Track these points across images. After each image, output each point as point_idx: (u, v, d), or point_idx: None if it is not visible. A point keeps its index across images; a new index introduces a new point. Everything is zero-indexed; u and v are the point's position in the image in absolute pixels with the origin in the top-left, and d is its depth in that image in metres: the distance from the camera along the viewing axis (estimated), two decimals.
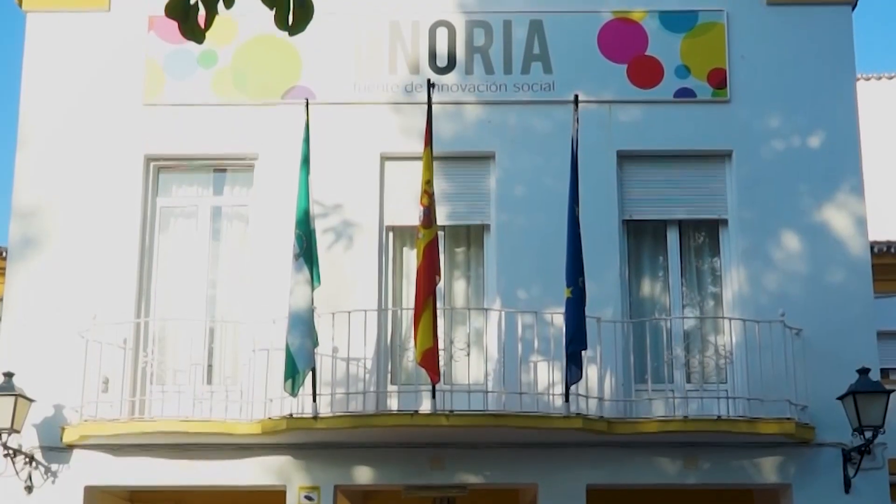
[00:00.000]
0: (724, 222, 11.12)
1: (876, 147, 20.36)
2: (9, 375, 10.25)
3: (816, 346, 10.56)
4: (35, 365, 10.58)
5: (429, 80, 10.31)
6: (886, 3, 35.43)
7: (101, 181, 11.11)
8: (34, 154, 11.20)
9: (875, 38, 38.57)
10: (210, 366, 10.89)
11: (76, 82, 11.31)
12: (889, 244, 16.65)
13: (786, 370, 10.31)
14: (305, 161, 9.92)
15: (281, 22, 3.23)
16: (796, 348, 10.45)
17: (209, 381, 10.80)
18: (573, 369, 9.56)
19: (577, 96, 10.23)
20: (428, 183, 9.39)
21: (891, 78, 22.88)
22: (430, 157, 9.57)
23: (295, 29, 3.31)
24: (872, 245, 15.46)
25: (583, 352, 9.62)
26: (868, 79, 22.81)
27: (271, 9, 3.24)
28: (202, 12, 3.25)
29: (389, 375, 10.76)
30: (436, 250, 9.35)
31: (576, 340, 9.45)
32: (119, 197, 11.09)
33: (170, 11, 3.15)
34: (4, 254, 15.64)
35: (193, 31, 3.18)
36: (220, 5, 3.25)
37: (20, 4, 11.54)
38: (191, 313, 10.89)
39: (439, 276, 9.38)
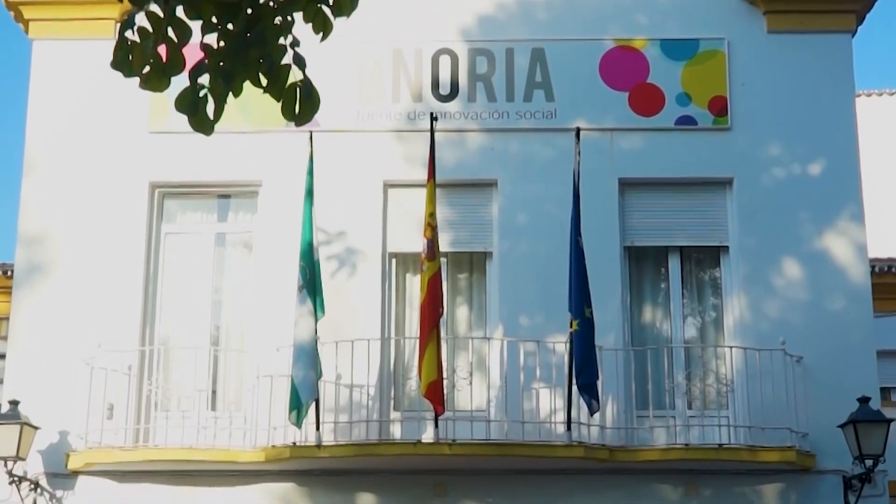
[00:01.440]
0: (726, 249, 11.18)
1: (877, 164, 20.43)
2: (14, 403, 10.32)
3: (817, 374, 10.62)
4: (40, 391, 10.65)
5: (431, 114, 10.38)
6: (886, 19, 35.55)
7: (107, 208, 11.18)
8: (40, 181, 11.28)
9: (876, 54, 38.66)
10: (214, 392, 10.96)
11: (82, 110, 11.39)
12: (890, 263, 16.71)
13: (786, 397, 10.36)
14: (309, 193, 10.00)
15: (288, 112, 3.31)
16: (797, 375, 10.51)
17: (213, 408, 10.87)
18: (588, 400, 9.59)
19: (578, 129, 10.30)
20: (431, 216, 9.47)
21: (892, 94, 22.96)
22: (433, 190, 9.65)
23: (301, 119, 3.38)
24: (873, 265, 15.57)
25: (598, 382, 9.66)
26: (869, 95, 22.89)
27: (278, 101, 3.31)
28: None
29: (392, 402, 10.82)
30: (439, 283, 9.43)
31: (585, 372, 9.49)
32: (124, 224, 11.16)
33: (179, 106, 3.21)
34: (10, 272, 15.81)
35: (202, 124, 3.26)
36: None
37: (27, 32, 11.64)
38: (195, 339, 10.97)
39: (442, 308, 9.45)
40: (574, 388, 9.73)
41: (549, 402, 10.42)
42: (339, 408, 10.40)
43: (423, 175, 10.39)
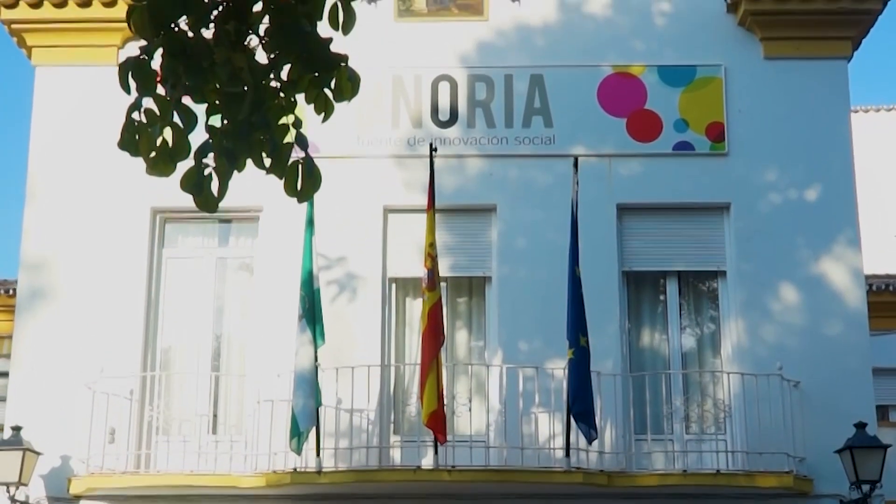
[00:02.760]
0: (723, 274, 11.26)
1: (873, 180, 20.52)
2: (16, 429, 10.39)
3: (814, 398, 10.69)
4: (43, 416, 10.72)
5: (431, 145, 10.47)
6: (882, 35, 35.66)
7: (108, 233, 11.26)
8: (42, 206, 11.36)
9: (873, 70, 38.77)
10: (215, 416, 11.04)
11: (84, 135, 11.48)
12: (887, 282, 16.78)
13: (784, 422, 10.44)
14: (310, 223, 10.09)
15: (290, 190, 3.39)
16: (794, 400, 10.58)
17: (214, 432, 10.95)
18: (585, 429, 9.66)
19: (576, 159, 10.38)
20: (431, 246, 9.56)
21: (889, 110, 23.07)
22: (433, 220, 9.73)
23: (303, 197, 3.46)
24: (871, 283, 15.65)
25: (597, 410, 9.74)
26: (867, 111, 23.01)
27: (281, 178, 3.39)
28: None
29: (392, 426, 10.90)
30: (440, 313, 9.51)
31: (580, 401, 9.57)
32: (126, 248, 11.24)
33: (184, 186, 3.29)
34: (11, 290, 15.90)
35: (207, 203, 3.34)
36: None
37: (30, 58, 11.74)
38: (196, 363, 11.04)
39: (443, 337, 9.54)
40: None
41: (548, 428, 10.49)
42: (339, 433, 10.48)
43: (422, 200, 10.48)
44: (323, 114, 3.57)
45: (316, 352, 9.71)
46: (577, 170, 10.27)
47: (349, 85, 3.36)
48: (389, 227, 11.33)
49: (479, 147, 11.39)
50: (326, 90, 3.41)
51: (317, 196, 10.66)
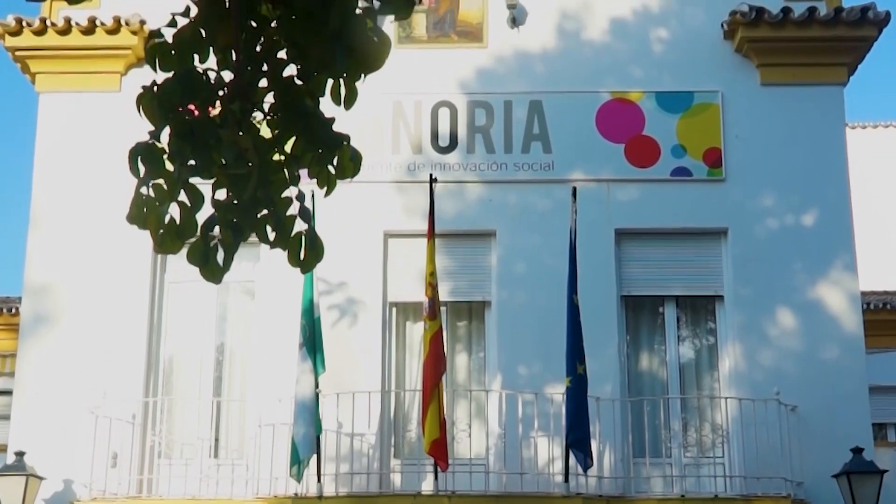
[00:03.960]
0: (721, 298, 11.35)
1: (869, 197, 20.60)
2: (20, 455, 10.48)
3: (811, 422, 10.77)
4: (46, 440, 10.80)
5: (431, 175, 10.57)
6: (878, 53, 35.79)
7: (111, 258, 11.35)
8: (46, 231, 11.46)
9: (867, 86, 38.91)
10: (217, 440, 11.13)
11: (87, 162, 11.58)
12: (884, 300, 16.87)
13: (781, 447, 10.52)
14: None
15: (294, 260, 3.48)
16: (791, 424, 10.66)
17: (216, 455, 11.03)
18: (581, 457, 9.74)
19: (575, 189, 10.47)
20: (431, 275, 9.66)
21: (886, 126, 23.16)
22: (433, 250, 9.83)
23: (306, 267, 3.56)
24: (868, 301, 15.73)
25: (591, 438, 9.83)
26: (864, 127, 23.09)
27: (284, 250, 3.48)
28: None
29: (393, 450, 10.98)
30: (440, 342, 9.61)
31: (576, 430, 9.66)
32: (128, 273, 11.33)
33: (191, 258, 3.38)
34: (14, 309, 15.99)
35: (213, 273, 3.43)
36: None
37: (34, 84, 11.84)
38: (198, 388, 11.13)
39: (445, 366, 9.64)
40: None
41: (547, 452, 10.57)
42: (339, 458, 10.56)
43: (422, 225, 10.58)
44: (325, 188, 3.67)
45: (317, 379, 9.80)
46: (575, 199, 10.35)
47: (351, 165, 3.45)
48: (390, 252, 11.43)
49: (478, 173, 11.50)
50: (329, 167, 3.51)
51: (317, 220, 10.84)
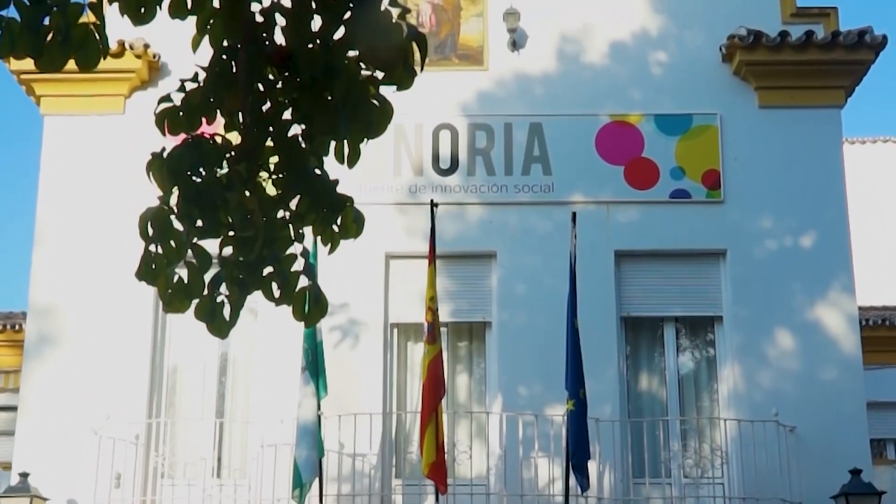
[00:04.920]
0: (720, 319, 11.44)
1: (866, 212, 20.69)
2: (24, 476, 10.56)
3: (810, 443, 10.85)
4: (49, 461, 10.89)
5: (431, 201, 10.65)
6: (876, 69, 35.83)
7: (115, 279, 11.43)
8: (50, 253, 11.56)
9: (865, 101, 38.99)
10: (219, 460, 11.21)
11: (92, 183, 11.68)
12: (883, 316, 16.93)
13: (780, 467, 10.59)
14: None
15: (298, 315, 3.57)
16: (790, 445, 10.74)
17: (218, 476, 11.11)
18: (580, 479, 9.82)
19: (574, 214, 10.55)
20: (432, 300, 9.74)
21: (885, 141, 23.27)
22: (433, 275, 9.92)
23: (310, 322, 3.65)
24: (866, 317, 15.79)
25: (588, 462, 9.91)
26: (864, 142, 23.20)
27: (289, 305, 3.58)
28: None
29: (394, 470, 11.06)
30: (440, 366, 9.69)
31: (578, 453, 9.74)
32: (132, 295, 11.40)
33: (198, 315, 3.48)
34: (17, 325, 16.07)
35: (220, 329, 3.52)
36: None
37: (38, 107, 11.95)
38: (201, 409, 11.22)
39: (444, 389, 9.72)
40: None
41: (547, 473, 10.65)
42: (341, 478, 10.64)
43: (423, 246, 10.67)
44: (329, 245, 3.76)
45: (319, 402, 9.89)
46: (574, 224, 10.44)
47: (354, 227, 3.55)
48: (391, 273, 11.52)
49: (479, 195, 11.59)
50: (334, 226, 3.60)
51: (319, 244, 10.91)
